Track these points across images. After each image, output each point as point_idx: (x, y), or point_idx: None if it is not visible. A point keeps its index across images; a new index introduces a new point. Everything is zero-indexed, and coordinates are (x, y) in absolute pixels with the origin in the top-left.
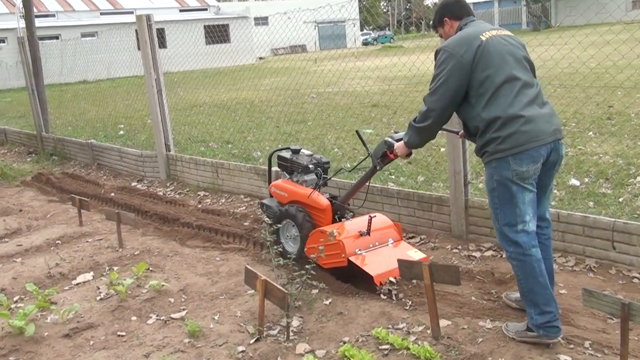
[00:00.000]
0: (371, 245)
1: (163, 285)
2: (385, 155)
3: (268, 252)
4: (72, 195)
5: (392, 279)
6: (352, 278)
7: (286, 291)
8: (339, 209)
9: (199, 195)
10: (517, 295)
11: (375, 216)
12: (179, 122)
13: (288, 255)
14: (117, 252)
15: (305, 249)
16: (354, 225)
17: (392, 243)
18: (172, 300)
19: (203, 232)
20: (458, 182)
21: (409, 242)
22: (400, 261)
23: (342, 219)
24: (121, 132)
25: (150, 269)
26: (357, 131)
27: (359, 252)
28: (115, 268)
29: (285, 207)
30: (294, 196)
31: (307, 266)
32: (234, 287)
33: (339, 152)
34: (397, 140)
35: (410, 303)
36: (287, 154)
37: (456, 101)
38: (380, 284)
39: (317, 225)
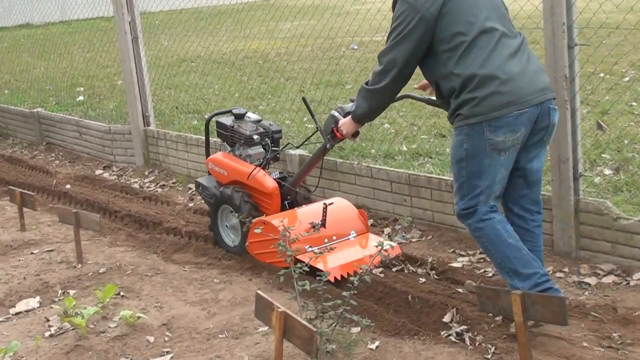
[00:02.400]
0: (327, 241)
1: (139, 318)
2: (334, 131)
3: (287, 273)
4: (10, 187)
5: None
6: (409, 310)
7: (315, 329)
8: (289, 193)
9: (190, 189)
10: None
11: (332, 203)
12: (162, 84)
13: (229, 251)
14: (74, 269)
15: (247, 243)
16: (307, 214)
17: (354, 236)
18: (151, 339)
19: (196, 241)
20: (564, 175)
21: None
22: (479, 289)
23: (302, 205)
24: (80, 98)
25: (122, 293)
26: (303, 98)
27: (309, 249)
28: (72, 292)
29: (222, 189)
30: (234, 175)
31: (344, 293)
32: (239, 322)
33: (390, 129)
34: (347, 114)
35: (492, 350)
36: (227, 120)
37: (418, 57)
38: (337, 280)
39: (262, 212)
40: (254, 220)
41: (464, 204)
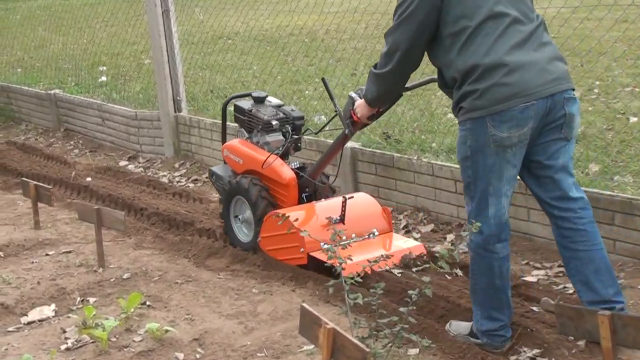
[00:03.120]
0: (345, 238)
1: (167, 331)
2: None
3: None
4: (23, 179)
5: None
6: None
7: (367, 349)
8: (307, 185)
9: None
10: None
11: (352, 197)
12: (195, 64)
13: (240, 246)
14: (94, 274)
15: (259, 238)
16: (325, 208)
17: (376, 234)
18: (180, 356)
19: (232, 245)
20: None
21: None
22: (559, 308)
23: (321, 198)
24: (103, 79)
25: (148, 303)
26: (323, 79)
27: (325, 247)
28: (92, 300)
29: (238, 179)
30: (250, 163)
31: (402, 309)
32: (280, 339)
33: (454, 119)
34: None
35: None
36: (245, 104)
37: (423, 39)
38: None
39: (279, 205)
40: (268, 214)
41: (475, 207)
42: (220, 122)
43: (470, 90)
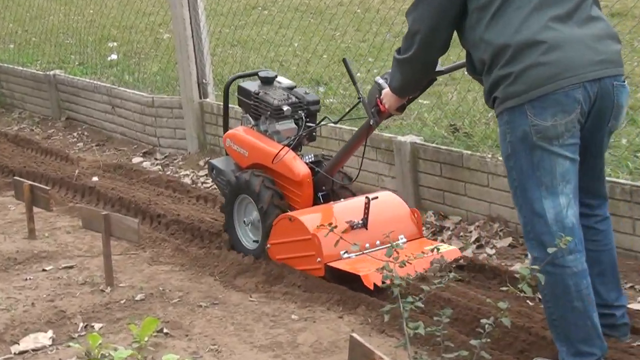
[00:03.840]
0: (368, 245)
1: None
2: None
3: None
4: (16, 178)
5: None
6: None
7: None
8: (324, 183)
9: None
10: None
11: (376, 197)
12: (224, 39)
13: (245, 253)
14: (101, 294)
15: (267, 245)
16: (345, 210)
17: (404, 242)
18: None
19: (267, 261)
20: None
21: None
22: None
23: (337, 199)
24: (113, 57)
25: (165, 330)
26: (344, 60)
27: (345, 256)
28: (98, 326)
29: (243, 175)
30: (256, 156)
31: (473, 342)
32: None
33: None
34: None
35: None
36: (251, 85)
37: (449, 17)
38: (377, 287)
39: (291, 206)
40: (278, 217)
41: (529, 215)
42: (222, 106)
43: (502, 75)
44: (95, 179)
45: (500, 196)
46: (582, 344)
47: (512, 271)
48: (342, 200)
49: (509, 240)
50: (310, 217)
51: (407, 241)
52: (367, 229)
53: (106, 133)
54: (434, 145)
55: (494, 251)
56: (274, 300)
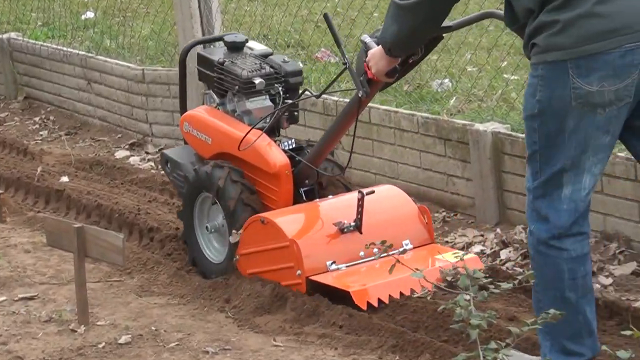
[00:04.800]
0: (362, 254)
1: None
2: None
3: None
4: None
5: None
6: None
7: None
8: (307, 175)
9: None
10: None
11: (372, 192)
12: None
13: (207, 269)
14: (72, 336)
15: (236, 256)
16: (333, 209)
17: (410, 248)
18: None
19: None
20: None
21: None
22: None
23: (325, 196)
24: (89, 15)
25: None
26: (325, 15)
27: (333, 267)
28: None
29: (203, 167)
30: (222, 143)
31: None
32: None
33: None
34: None
35: None
36: (214, 52)
37: None
38: (370, 304)
39: (266, 206)
40: (249, 219)
41: (542, 184)
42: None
43: (547, 21)
44: (64, 179)
45: (618, 206)
46: (569, 341)
47: (637, 308)
48: (330, 197)
49: (633, 266)
50: (288, 219)
51: (413, 248)
52: (361, 232)
53: (79, 117)
54: (523, 136)
55: (610, 280)
56: (307, 346)
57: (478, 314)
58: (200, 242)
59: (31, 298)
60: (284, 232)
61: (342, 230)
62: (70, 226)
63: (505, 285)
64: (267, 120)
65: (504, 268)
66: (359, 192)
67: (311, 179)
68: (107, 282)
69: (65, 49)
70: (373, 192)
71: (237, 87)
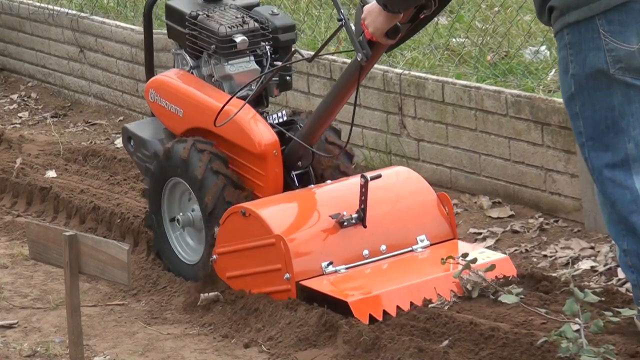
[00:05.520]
0: (367, 252)
1: None
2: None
3: None
4: None
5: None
6: None
7: None
8: (301, 156)
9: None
10: None
11: (378, 176)
12: None
13: (181, 273)
14: None
15: (213, 257)
16: (331, 198)
17: (426, 245)
18: None
19: (348, 320)
20: None
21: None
22: None
23: (327, 179)
24: None
25: None
26: None
27: (330, 269)
28: None
29: (177, 146)
30: (197, 117)
31: None
32: None
33: None
34: None
35: None
36: (186, 4)
37: None
38: (372, 317)
39: (251, 194)
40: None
41: (603, 190)
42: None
43: None
44: (51, 174)
45: None
46: None
47: None
48: (328, 182)
49: None
50: (274, 210)
51: (430, 245)
52: (365, 226)
53: (69, 95)
54: None
55: None
56: None
57: (591, 349)
58: (171, 240)
59: (9, 326)
60: (269, 226)
61: (341, 223)
62: (60, 234)
63: (626, 312)
64: (252, 87)
65: (622, 290)
66: (362, 176)
67: (305, 161)
68: (106, 306)
69: (51, 7)
70: (380, 176)
71: (213, 46)
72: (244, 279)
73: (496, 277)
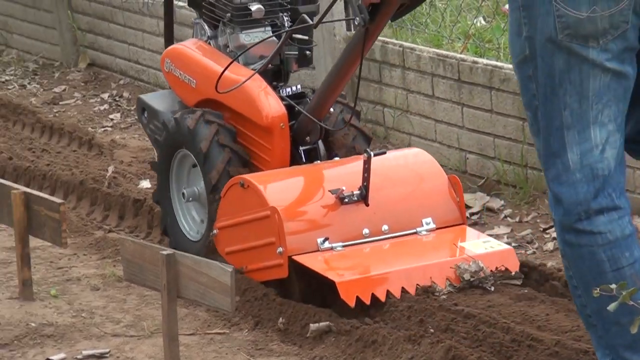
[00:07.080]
0: (367, 231)
1: None
2: None
3: None
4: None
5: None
6: None
7: None
8: (309, 131)
9: None
10: None
11: (383, 152)
12: None
13: (186, 248)
14: None
15: (214, 231)
16: (335, 174)
17: (431, 228)
18: None
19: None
20: None
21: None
22: None
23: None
24: None
25: None
26: None
27: (326, 246)
28: None
29: (185, 117)
30: (209, 88)
31: None
32: None
33: None
34: None
35: None
36: None
37: None
38: (360, 300)
39: (255, 166)
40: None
41: (544, 150)
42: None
43: None
44: (145, 184)
45: None
46: (627, 351)
47: None
48: (336, 159)
49: None
50: (272, 183)
51: (436, 228)
52: (367, 204)
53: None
54: None
55: None
56: None
57: None
58: (177, 213)
59: (101, 356)
60: (265, 197)
61: (342, 199)
62: (157, 253)
63: None
64: (267, 59)
65: None
66: (365, 151)
67: (313, 136)
68: (206, 334)
69: None
70: (384, 152)
71: (229, 14)
72: (241, 254)
73: (496, 268)
